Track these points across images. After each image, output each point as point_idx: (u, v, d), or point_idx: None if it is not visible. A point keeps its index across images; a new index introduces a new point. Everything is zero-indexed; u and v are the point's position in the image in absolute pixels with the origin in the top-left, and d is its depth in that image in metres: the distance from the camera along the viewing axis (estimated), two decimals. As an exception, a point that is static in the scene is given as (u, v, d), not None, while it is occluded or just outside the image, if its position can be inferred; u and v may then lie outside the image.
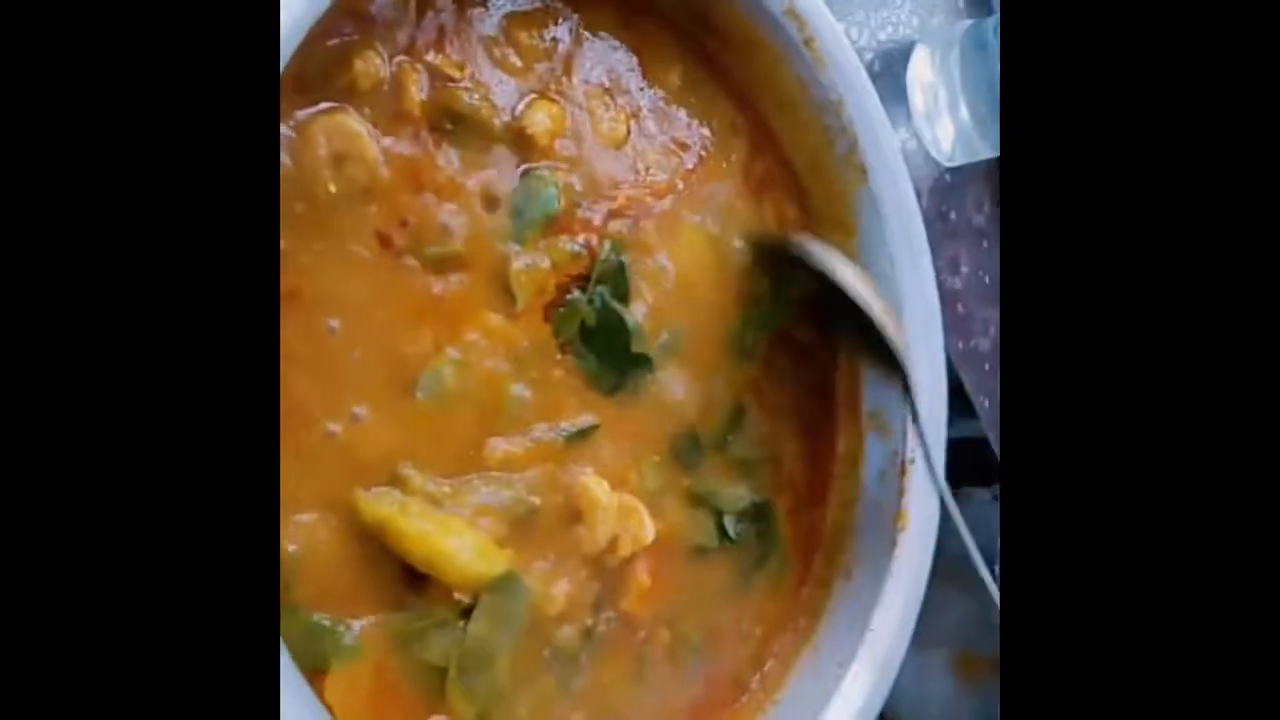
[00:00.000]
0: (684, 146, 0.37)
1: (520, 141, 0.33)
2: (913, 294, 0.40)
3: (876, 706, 0.35)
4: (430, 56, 0.32)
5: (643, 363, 0.35)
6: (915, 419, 0.39)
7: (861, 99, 0.38)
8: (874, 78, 0.52)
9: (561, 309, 0.34)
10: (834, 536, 0.40)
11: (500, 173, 0.33)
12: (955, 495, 0.62)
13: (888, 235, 0.39)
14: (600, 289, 0.34)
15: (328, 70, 0.30)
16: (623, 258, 0.35)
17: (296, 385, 0.29)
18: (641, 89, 0.37)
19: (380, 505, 0.30)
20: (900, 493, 0.39)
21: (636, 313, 0.35)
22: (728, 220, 0.38)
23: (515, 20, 0.34)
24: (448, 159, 0.32)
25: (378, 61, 0.31)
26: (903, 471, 0.39)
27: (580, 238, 0.34)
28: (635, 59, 0.36)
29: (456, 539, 0.31)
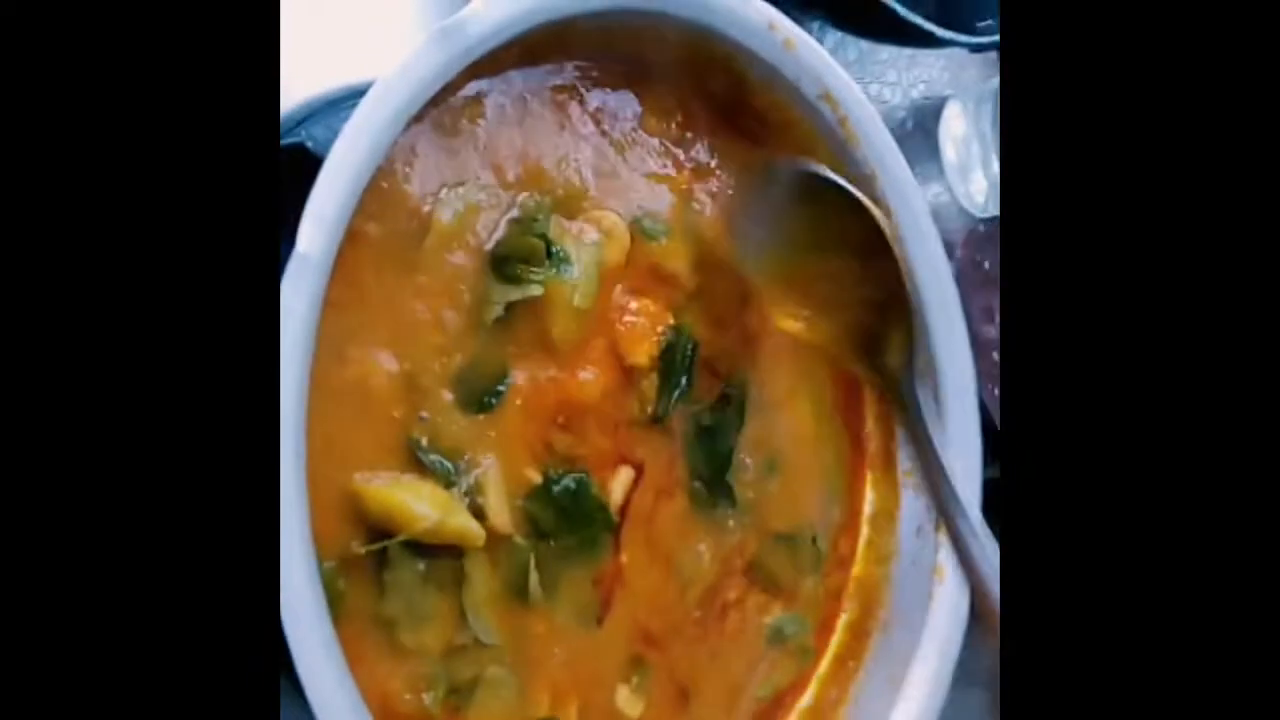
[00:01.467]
0: None
1: None
2: (947, 353, 0.41)
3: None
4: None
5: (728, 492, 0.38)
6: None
7: (893, 171, 0.40)
8: (907, 134, 0.54)
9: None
10: (870, 592, 0.41)
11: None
12: (995, 535, 0.63)
13: (922, 297, 0.41)
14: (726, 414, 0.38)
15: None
16: (744, 394, 0.38)
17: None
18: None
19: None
20: (936, 547, 0.40)
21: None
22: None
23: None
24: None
25: None
26: (938, 526, 0.41)
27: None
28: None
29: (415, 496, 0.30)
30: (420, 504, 0.30)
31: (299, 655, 0.27)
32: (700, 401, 0.37)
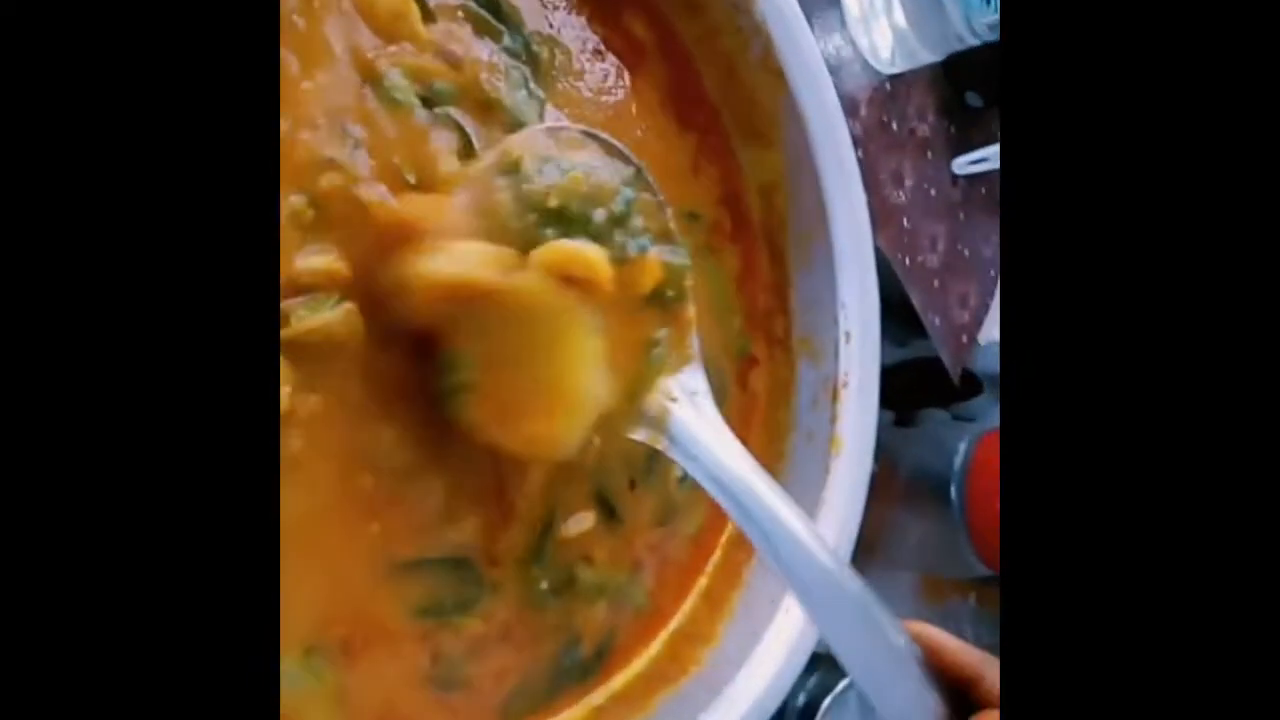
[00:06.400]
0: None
1: None
2: (841, 206, 0.37)
3: (813, 637, 0.34)
4: None
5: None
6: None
7: (789, 25, 0.35)
8: (804, -18, 0.49)
9: None
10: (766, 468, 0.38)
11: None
12: (913, 417, 0.61)
13: (813, 144, 0.37)
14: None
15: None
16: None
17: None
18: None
19: None
20: (833, 419, 0.37)
21: None
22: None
23: None
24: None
25: None
26: (835, 396, 0.37)
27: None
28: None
29: None
30: None
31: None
32: None
